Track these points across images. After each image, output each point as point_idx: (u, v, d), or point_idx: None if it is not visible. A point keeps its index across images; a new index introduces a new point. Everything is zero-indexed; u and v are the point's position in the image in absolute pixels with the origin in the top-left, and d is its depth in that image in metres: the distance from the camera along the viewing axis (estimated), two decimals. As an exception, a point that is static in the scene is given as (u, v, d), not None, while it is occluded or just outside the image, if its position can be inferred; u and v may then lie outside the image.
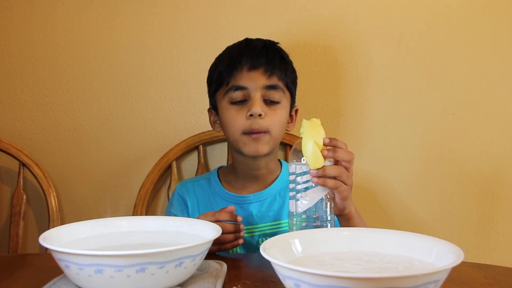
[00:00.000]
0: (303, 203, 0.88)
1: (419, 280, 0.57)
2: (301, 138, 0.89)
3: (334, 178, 0.88)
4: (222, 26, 1.43)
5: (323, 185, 0.87)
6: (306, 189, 0.88)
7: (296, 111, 1.22)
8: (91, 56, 1.46)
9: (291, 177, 0.90)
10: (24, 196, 1.41)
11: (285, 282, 0.64)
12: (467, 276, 0.84)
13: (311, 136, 0.87)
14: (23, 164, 1.40)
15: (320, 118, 1.43)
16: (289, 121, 1.20)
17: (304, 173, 0.88)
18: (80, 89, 1.46)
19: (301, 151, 0.89)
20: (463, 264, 0.65)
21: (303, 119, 0.91)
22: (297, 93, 1.21)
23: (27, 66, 1.46)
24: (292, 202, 0.90)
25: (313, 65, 1.44)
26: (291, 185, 0.90)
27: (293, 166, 0.89)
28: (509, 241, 1.43)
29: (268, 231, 1.13)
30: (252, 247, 1.13)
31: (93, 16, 1.45)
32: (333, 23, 1.43)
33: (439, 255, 0.70)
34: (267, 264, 0.67)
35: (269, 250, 0.69)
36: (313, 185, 0.87)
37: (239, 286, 0.78)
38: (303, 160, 0.88)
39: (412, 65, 1.43)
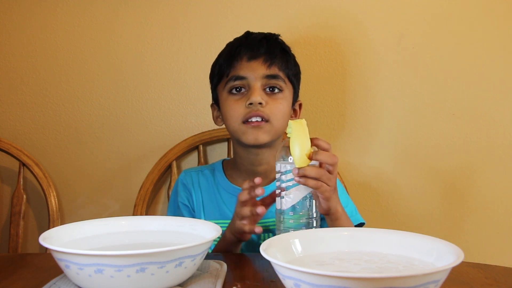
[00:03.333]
0: (287, 200, 0.90)
1: (419, 280, 0.57)
2: (288, 138, 0.91)
3: (316, 179, 0.89)
4: (222, 25, 1.43)
5: (305, 184, 0.89)
6: (291, 187, 0.90)
7: (300, 105, 1.22)
8: (91, 56, 1.46)
9: (277, 176, 0.92)
10: (24, 196, 1.41)
11: (285, 282, 0.64)
12: (467, 276, 0.84)
13: (299, 137, 0.89)
14: (23, 164, 1.40)
15: (322, 115, 1.45)
16: (293, 115, 1.20)
17: (288, 171, 0.90)
18: (80, 89, 1.46)
19: (287, 151, 0.91)
20: (463, 264, 0.65)
21: (289, 120, 0.92)
22: (300, 89, 1.21)
23: (27, 66, 1.46)
24: (277, 199, 0.92)
25: (316, 61, 1.44)
26: (277, 183, 0.92)
27: (279, 164, 0.92)
28: (509, 241, 1.43)
29: (271, 227, 1.13)
30: (254, 242, 1.12)
31: (93, 16, 1.45)
32: (332, 22, 1.43)
33: (439, 255, 0.70)
34: (267, 264, 0.67)
35: (269, 250, 0.69)
36: (296, 183, 0.90)
37: (239, 286, 0.78)
38: (290, 159, 0.90)
39: (412, 65, 1.43)
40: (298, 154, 0.88)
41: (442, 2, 1.42)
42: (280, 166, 0.92)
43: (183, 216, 1.17)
